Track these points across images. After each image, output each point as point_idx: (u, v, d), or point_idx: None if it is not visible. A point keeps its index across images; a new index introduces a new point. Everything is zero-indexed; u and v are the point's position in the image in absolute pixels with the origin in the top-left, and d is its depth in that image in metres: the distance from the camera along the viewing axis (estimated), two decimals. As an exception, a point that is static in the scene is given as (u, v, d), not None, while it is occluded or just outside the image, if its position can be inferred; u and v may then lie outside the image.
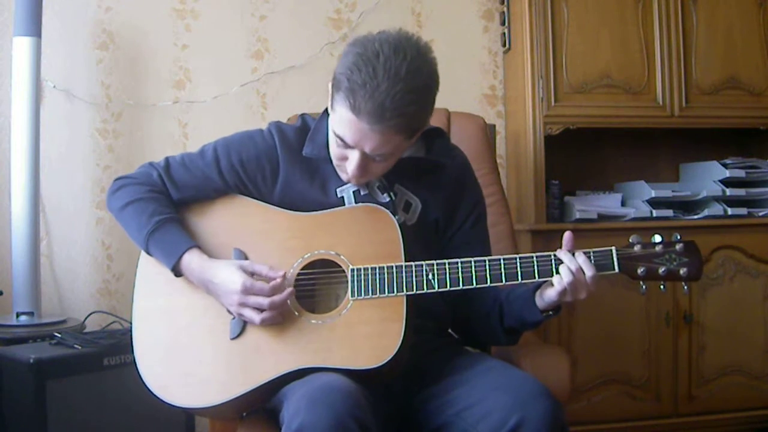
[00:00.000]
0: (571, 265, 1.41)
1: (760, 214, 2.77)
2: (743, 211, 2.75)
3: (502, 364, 1.51)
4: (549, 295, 1.45)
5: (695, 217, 2.74)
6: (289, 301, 1.46)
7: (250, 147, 1.60)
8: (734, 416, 2.70)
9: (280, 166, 1.59)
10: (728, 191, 2.75)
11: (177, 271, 1.51)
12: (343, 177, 1.54)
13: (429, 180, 1.62)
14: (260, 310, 1.44)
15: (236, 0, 2.78)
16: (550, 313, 1.49)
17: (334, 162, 1.53)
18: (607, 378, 2.63)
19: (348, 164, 1.47)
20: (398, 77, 1.35)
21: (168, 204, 1.56)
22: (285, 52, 2.80)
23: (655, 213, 2.70)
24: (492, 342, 1.70)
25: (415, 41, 1.42)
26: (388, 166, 1.51)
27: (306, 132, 1.61)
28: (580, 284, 1.42)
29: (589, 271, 1.41)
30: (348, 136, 1.42)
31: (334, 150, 1.50)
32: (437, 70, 1.45)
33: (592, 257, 1.43)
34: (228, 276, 1.45)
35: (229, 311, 1.49)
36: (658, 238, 1.45)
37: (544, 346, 2.06)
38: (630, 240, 1.46)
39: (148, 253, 1.54)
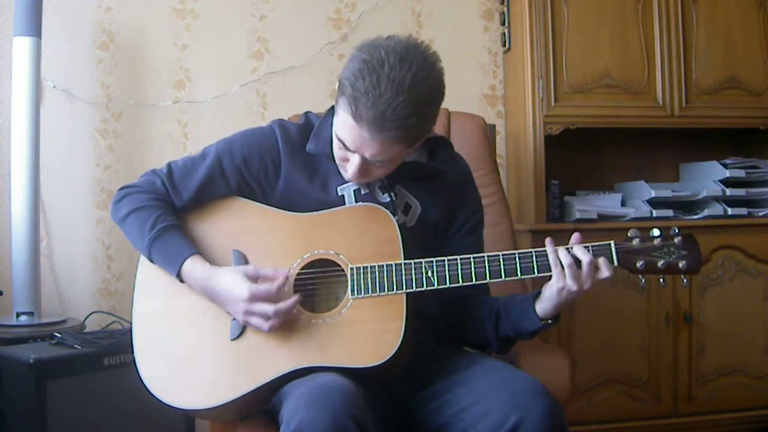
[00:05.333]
0: (564, 258, 1.41)
1: (760, 214, 2.77)
2: (743, 211, 2.76)
3: (501, 364, 1.50)
4: (547, 294, 1.45)
5: (695, 217, 2.74)
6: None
7: (252, 145, 1.59)
8: (734, 416, 2.70)
9: (281, 164, 1.59)
10: (728, 191, 2.75)
11: (180, 279, 1.50)
12: (345, 175, 1.54)
13: (430, 184, 1.62)
14: (266, 317, 1.43)
15: (236, 0, 2.78)
16: (549, 321, 1.49)
17: (337, 161, 1.54)
18: (607, 378, 2.63)
19: (349, 166, 1.48)
20: (401, 88, 1.35)
21: (170, 211, 1.55)
22: (285, 52, 2.80)
23: (655, 213, 2.71)
24: (483, 349, 1.68)
25: (422, 51, 1.41)
26: (388, 170, 1.51)
27: (309, 130, 1.61)
28: (578, 276, 1.41)
29: (585, 257, 1.41)
30: (349, 141, 1.43)
31: (336, 151, 1.51)
32: (443, 80, 1.43)
33: (590, 251, 1.43)
34: (232, 284, 1.44)
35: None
36: (656, 232, 1.45)
37: (544, 346, 2.05)
38: (628, 234, 1.45)
39: (152, 261, 1.53)
